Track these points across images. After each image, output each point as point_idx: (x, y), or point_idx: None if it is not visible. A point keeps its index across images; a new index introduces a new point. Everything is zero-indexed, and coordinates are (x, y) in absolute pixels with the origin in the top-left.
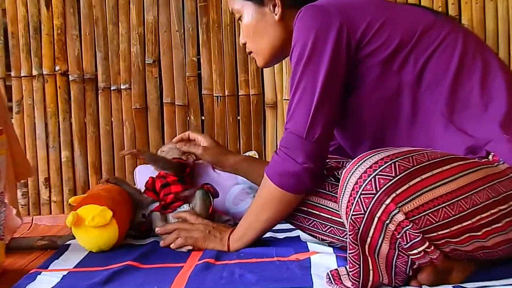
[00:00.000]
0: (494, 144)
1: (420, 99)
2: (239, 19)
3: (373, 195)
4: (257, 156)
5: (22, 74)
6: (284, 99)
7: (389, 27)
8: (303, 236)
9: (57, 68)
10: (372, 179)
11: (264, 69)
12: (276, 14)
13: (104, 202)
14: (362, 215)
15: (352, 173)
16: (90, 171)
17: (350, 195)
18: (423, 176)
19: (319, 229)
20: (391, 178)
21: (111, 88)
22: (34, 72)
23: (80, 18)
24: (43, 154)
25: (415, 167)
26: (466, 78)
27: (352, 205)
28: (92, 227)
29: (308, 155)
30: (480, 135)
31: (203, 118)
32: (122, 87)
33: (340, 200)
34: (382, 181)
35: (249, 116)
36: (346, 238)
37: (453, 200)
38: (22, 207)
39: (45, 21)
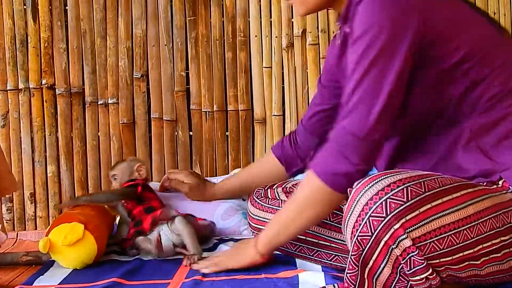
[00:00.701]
0: (509, 173)
1: (459, 113)
2: None
3: (382, 219)
4: None
5: (8, 88)
6: (273, 115)
7: (460, 35)
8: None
9: (43, 81)
10: (383, 202)
11: (253, 84)
12: None
13: (74, 219)
14: (369, 237)
15: (363, 194)
16: (76, 186)
17: (359, 216)
18: (433, 203)
19: (306, 254)
20: (403, 203)
21: (98, 103)
22: (21, 86)
23: (67, 31)
24: (28, 169)
25: (426, 194)
26: None
27: (360, 226)
28: (67, 246)
29: (363, 157)
30: (500, 161)
31: (191, 133)
32: (110, 101)
33: (347, 219)
34: (393, 205)
35: (237, 131)
36: (333, 262)
37: (460, 229)
38: (7, 222)
39: (32, 34)
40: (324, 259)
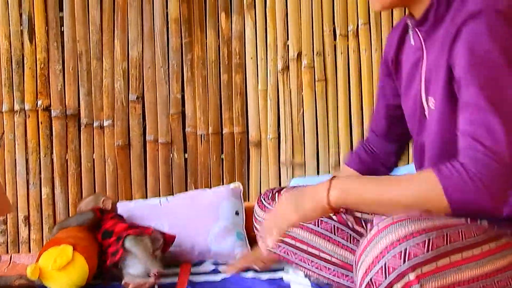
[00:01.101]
0: None
1: None
2: None
3: (398, 266)
4: (241, 187)
5: (3, 109)
6: (269, 138)
7: None
8: (286, 277)
9: (39, 103)
10: (403, 250)
11: (248, 106)
12: None
13: (63, 241)
14: (381, 281)
15: (384, 236)
16: (71, 209)
17: (376, 257)
18: (452, 258)
19: (306, 264)
20: (421, 254)
21: (94, 124)
22: (16, 107)
23: (63, 52)
24: (23, 191)
25: (447, 247)
26: None
27: (375, 267)
28: (58, 270)
29: (507, 190)
30: None
31: (186, 156)
32: (105, 123)
33: (363, 256)
34: (412, 255)
35: (233, 154)
36: (333, 275)
37: (474, 284)
38: (0, 245)
39: (28, 55)
40: (322, 272)
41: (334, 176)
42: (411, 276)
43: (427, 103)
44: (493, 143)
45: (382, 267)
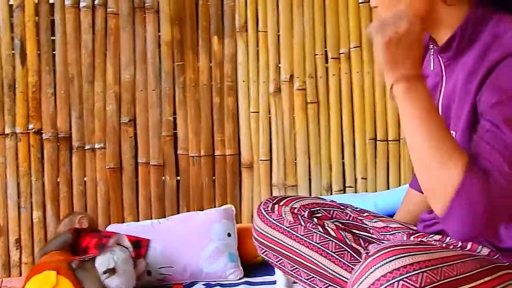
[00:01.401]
0: None
1: None
2: None
3: None
4: (233, 209)
5: None
6: (261, 160)
7: None
8: None
9: (30, 126)
10: (396, 283)
11: (240, 129)
12: None
13: (45, 267)
14: None
15: (378, 268)
16: None
17: (369, 287)
18: None
19: (301, 277)
20: None
21: (85, 148)
22: (7, 130)
23: (55, 76)
24: (14, 214)
25: (441, 282)
26: None
27: None
28: None
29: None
30: None
31: (178, 178)
32: (97, 146)
33: (357, 283)
34: None
35: (225, 176)
36: None
37: None
38: None
39: (20, 78)
40: (317, 286)
41: (416, 76)
42: None
43: None
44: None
45: None
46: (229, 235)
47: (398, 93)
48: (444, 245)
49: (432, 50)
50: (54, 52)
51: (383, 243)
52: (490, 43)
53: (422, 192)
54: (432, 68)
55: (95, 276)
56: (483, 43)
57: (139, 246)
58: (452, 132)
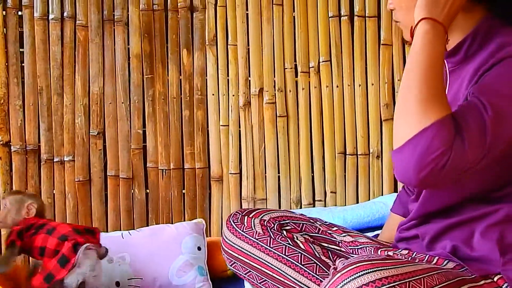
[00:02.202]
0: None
1: (504, 194)
2: None
3: None
4: (204, 224)
5: None
6: (230, 173)
7: None
8: None
9: None
10: None
11: (210, 142)
12: None
13: None
14: None
15: (347, 283)
16: None
17: None
18: None
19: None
20: None
21: (54, 160)
22: None
23: (24, 88)
24: None
25: None
26: None
27: None
28: None
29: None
30: (509, 262)
31: (147, 191)
32: (66, 158)
33: None
34: None
35: (194, 189)
36: None
37: None
38: None
39: None
40: None
41: (440, 25)
42: None
43: None
44: (470, 145)
45: None
46: (199, 248)
47: (420, 30)
48: (410, 259)
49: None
50: (22, 64)
51: (351, 257)
52: (495, 51)
53: (403, 216)
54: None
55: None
56: (489, 51)
57: (93, 233)
58: None
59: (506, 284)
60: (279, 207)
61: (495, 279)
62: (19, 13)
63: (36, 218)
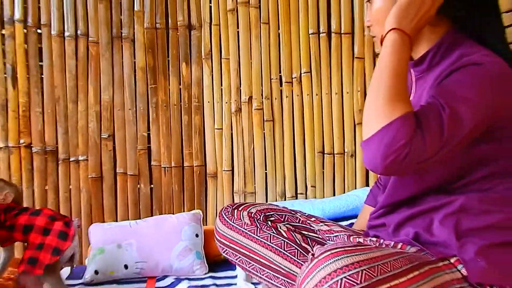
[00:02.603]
0: (465, 260)
1: (461, 185)
2: (368, 0)
3: None
4: (201, 214)
5: None
6: (224, 170)
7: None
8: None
9: (21, 141)
10: (339, 280)
11: (206, 143)
12: None
13: None
14: None
15: (324, 267)
16: None
17: (316, 285)
18: (382, 287)
19: (257, 272)
20: (356, 284)
21: (70, 159)
22: (1, 144)
23: (43, 96)
24: None
25: (377, 278)
26: None
27: None
28: None
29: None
30: (463, 247)
31: (152, 186)
32: (80, 158)
33: (305, 281)
34: (348, 285)
35: (192, 184)
36: (280, 284)
37: None
38: None
39: (12, 99)
40: (272, 280)
41: (406, 36)
42: None
43: None
44: (429, 139)
45: None
46: (196, 235)
47: (389, 39)
48: (378, 245)
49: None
50: (42, 76)
51: (328, 243)
52: (455, 61)
53: (374, 207)
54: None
55: (59, 276)
56: (450, 61)
57: (68, 225)
58: None
59: (461, 265)
60: (266, 199)
61: (452, 260)
62: (39, 31)
63: (13, 204)
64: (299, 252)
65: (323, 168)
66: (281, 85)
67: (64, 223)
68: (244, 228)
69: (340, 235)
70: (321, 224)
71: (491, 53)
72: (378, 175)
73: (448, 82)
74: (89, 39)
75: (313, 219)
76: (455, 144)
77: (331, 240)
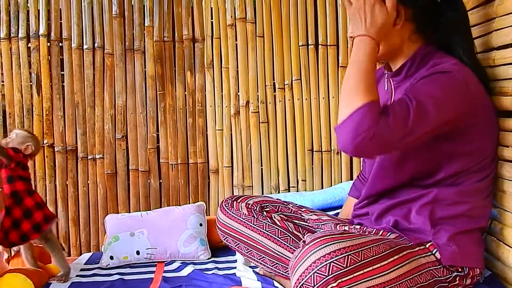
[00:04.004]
0: (438, 246)
1: (435, 179)
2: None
3: (324, 277)
4: (204, 205)
5: None
6: (224, 166)
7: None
8: (238, 273)
9: (45, 141)
10: (328, 264)
11: (208, 143)
12: (396, 24)
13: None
14: (311, 287)
15: (313, 253)
16: (70, 223)
17: (307, 269)
18: (365, 270)
19: (254, 257)
20: (342, 268)
21: (88, 157)
22: None
23: (64, 102)
24: None
25: (362, 262)
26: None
27: (306, 277)
28: None
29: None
30: (437, 234)
31: (160, 181)
32: (97, 156)
33: (297, 267)
34: (335, 269)
35: (196, 179)
36: (275, 267)
37: None
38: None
39: (36, 104)
40: (267, 264)
41: (367, 37)
42: (334, 284)
43: None
44: (393, 124)
45: (311, 276)
46: (200, 225)
47: (355, 41)
48: (362, 232)
49: (387, 75)
50: (63, 84)
51: (317, 231)
52: (428, 69)
53: (357, 199)
54: (386, 89)
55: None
56: (423, 70)
57: (48, 221)
58: None
59: (435, 250)
60: (262, 192)
61: (427, 245)
62: (60, 44)
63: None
64: (291, 239)
65: (312, 164)
66: (274, 91)
67: (44, 216)
68: (242, 218)
69: (328, 223)
70: (311, 213)
71: (458, 62)
72: (361, 169)
73: (418, 84)
74: (105, 51)
75: (303, 209)
76: (420, 134)
77: (320, 228)
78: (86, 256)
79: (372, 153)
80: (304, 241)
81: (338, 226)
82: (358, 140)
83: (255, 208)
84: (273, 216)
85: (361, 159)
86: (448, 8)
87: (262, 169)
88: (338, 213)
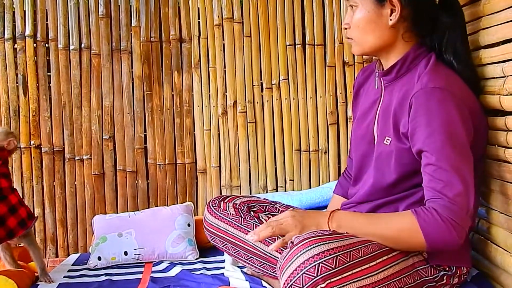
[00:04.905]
0: None
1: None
2: (351, 5)
3: (313, 277)
4: (192, 206)
5: None
6: (212, 166)
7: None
8: (226, 273)
9: (32, 142)
10: (316, 265)
11: (196, 143)
12: (391, 20)
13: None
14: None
15: (302, 253)
16: (57, 225)
17: (295, 270)
18: (354, 271)
19: (242, 257)
20: (331, 268)
21: (75, 158)
22: None
23: (51, 103)
24: None
25: (350, 263)
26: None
27: (294, 278)
28: None
29: (466, 232)
30: None
31: (148, 181)
32: (84, 157)
33: (285, 267)
34: (324, 269)
35: (184, 179)
36: (263, 267)
37: None
38: None
39: (23, 105)
40: (255, 264)
41: (335, 210)
42: (323, 285)
43: (383, 139)
44: (455, 195)
45: (300, 277)
46: (188, 225)
47: (336, 228)
48: None
49: (377, 73)
50: (50, 85)
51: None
52: (421, 74)
53: (342, 196)
54: (376, 87)
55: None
56: (417, 73)
57: (31, 218)
58: (388, 138)
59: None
60: (250, 192)
61: None
62: (47, 45)
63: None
64: (279, 239)
65: (300, 164)
66: (262, 91)
67: (27, 213)
68: (229, 218)
69: None
70: None
71: (449, 74)
72: (346, 168)
73: (418, 128)
74: (92, 51)
75: (291, 209)
76: (470, 166)
77: None
78: (73, 257)
79: (469, 226)
80: (292, 242)
81: None
82: (455, 243)
83: (242, 208)
84: (260, 216)
85: (347, 155)
86: (446, 12)
87: (250, 169)
88: None
